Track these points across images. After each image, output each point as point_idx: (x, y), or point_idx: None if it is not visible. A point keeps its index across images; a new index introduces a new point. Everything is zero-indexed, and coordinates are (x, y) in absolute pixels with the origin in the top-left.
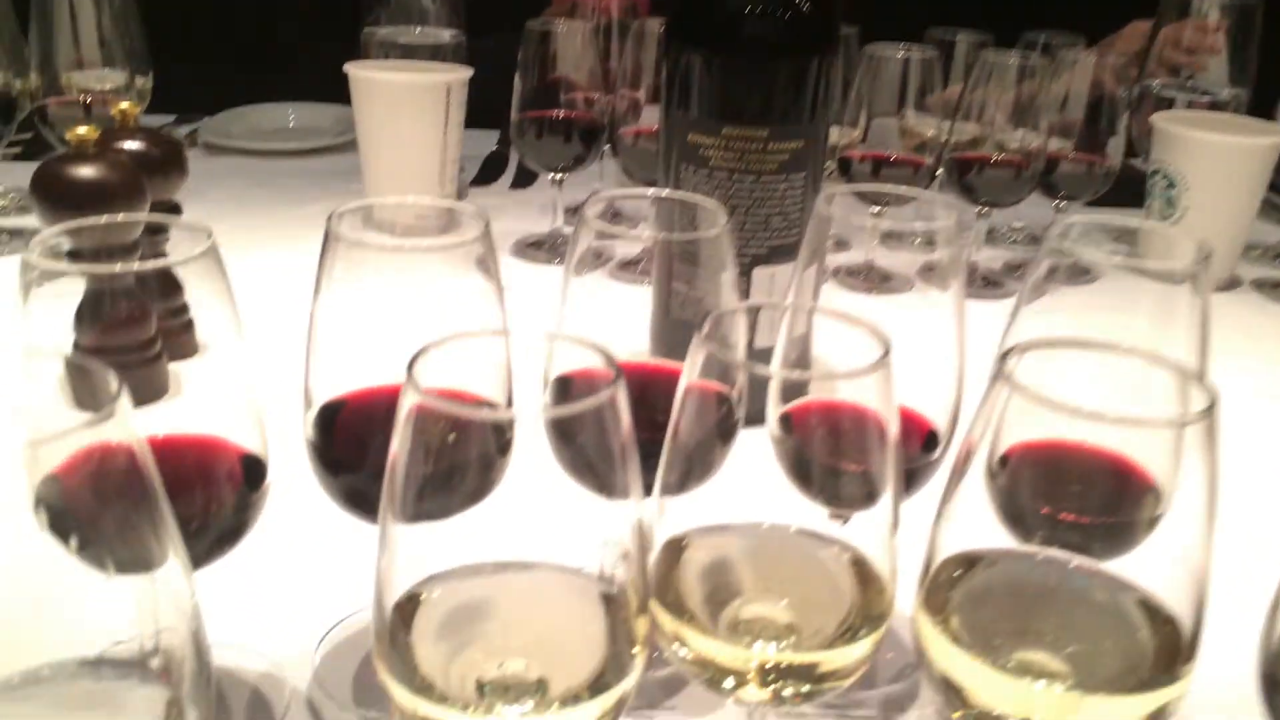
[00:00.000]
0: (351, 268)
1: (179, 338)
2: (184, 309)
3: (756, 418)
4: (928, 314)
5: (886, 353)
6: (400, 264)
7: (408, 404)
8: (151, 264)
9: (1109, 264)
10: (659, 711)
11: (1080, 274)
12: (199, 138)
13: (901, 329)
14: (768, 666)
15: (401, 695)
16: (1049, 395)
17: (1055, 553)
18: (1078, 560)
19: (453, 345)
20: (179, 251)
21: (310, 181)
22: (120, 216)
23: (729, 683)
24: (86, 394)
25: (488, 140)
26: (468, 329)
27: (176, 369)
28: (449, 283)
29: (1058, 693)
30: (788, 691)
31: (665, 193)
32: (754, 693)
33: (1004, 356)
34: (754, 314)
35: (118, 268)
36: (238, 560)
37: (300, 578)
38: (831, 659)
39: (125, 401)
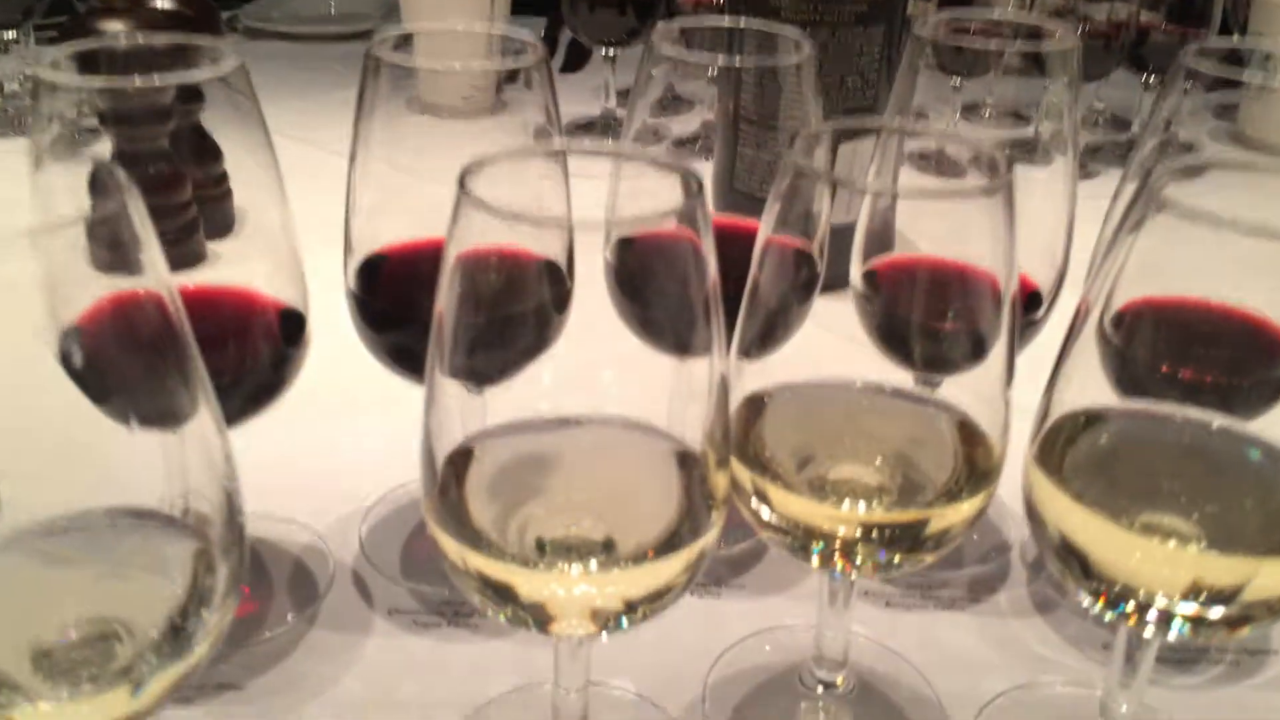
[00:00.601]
0: (395, 94)
1: (218, 206)
2: (223, 179)
3: (834, 283)
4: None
5: (1010, 167)
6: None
7: (460, 223)
8: (173, 77)
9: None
10: (726, 589)
11: (1184, 152)
12: (239, 22)
13: None
14: (862, 527)
15: (453, 548)
16: (1202, 210)
17: (1185, 409)
18: (1210, 418)
19: (505, 163)
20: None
21: (352, 66)
22: (139, 36)
23: (817, 547)
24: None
25: (534, 28)
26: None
27: (214, 245)
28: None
29: (1193, 553)
30: (880, 558)
31: (742, 21)
32: (842, 559)
33: (1147, 175)
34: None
35: (136, 80)
36: (280, 431)
37: (345, 449)
38: (940, 516)
39: (145, 215)
